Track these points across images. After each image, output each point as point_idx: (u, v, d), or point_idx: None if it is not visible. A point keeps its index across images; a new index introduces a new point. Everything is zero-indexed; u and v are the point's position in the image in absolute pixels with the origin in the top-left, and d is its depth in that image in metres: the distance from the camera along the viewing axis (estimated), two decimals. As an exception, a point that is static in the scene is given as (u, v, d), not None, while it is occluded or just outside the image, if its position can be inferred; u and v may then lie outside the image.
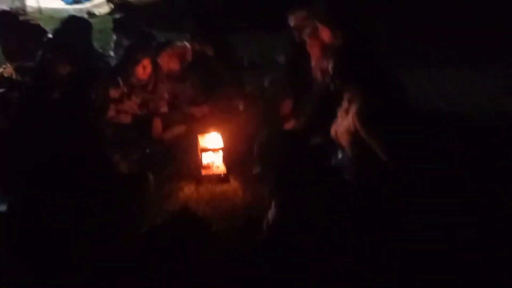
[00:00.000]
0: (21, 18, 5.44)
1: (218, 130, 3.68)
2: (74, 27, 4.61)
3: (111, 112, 3.89)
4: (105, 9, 8.79)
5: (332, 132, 2.84)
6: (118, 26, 5.07)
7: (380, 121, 2.54)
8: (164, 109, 4.12)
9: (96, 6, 8.94)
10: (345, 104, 2.75)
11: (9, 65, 5.02)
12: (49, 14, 8.77)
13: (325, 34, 3.38)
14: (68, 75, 3.40)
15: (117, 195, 2.72)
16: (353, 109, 2.62)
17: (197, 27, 4.63)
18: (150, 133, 3.94)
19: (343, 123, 2.72)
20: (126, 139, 3.70)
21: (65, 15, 8.68)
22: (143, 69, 3.91)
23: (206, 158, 3.59)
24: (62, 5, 9.18)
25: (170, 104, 4.19)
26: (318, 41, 3.55)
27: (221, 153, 3.57)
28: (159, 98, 4.12)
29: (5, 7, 8.53)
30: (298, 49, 3.95)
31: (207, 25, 4.59)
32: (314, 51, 3.69)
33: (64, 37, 4.47)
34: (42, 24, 8.07)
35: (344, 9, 3.37)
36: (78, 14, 8.66)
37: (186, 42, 4.32)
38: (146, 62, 3.91)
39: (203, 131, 3.69)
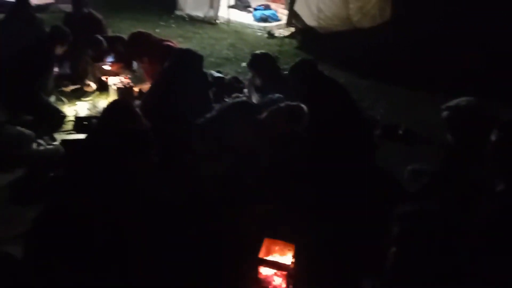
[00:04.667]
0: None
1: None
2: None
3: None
4: (285, 31, 8.34)
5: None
6: (253, 62, 4.39)
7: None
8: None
9: (279, 27, 8.58)
10: None
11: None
12: (235, 28, 8.79)
13: None
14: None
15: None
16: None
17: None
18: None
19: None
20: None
21: (248, 31, 8.69)
22: (240, 134, 3.15)
23: (265, 271, 2.65)
24: (250, 21, 9.09)
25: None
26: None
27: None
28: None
29: (200, 14, 8.90)
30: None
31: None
32: None
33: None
34: (225, 36, 8.24)
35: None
36: (260, 32, 8.52)
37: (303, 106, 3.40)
38: (247, 127, 3.13)
39: (275, 234, 2.74)
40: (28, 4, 5.74)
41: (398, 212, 1.83)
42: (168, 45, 4.86)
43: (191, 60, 4.10)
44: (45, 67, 4.53)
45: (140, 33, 5.31)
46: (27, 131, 3.99)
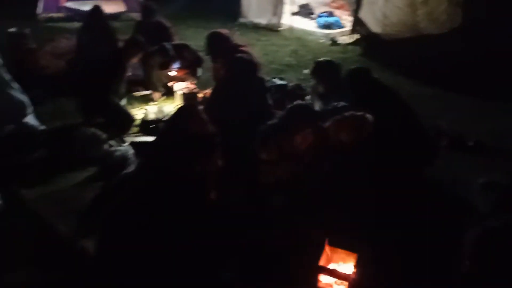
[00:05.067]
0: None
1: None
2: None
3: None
4: (349, 38, 8.23)
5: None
6: (316, 69, 4.38)
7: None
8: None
9: (343, 34, 8.48)
10: None
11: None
12: (297, 35, 8.81)
13: None
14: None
15: None
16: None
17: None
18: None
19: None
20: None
21: (311, 38, 8.67)
22: (303, 139, 3.15)
23: (325, 279, 2.63)
24: (312, 28, 9.07)
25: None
26: None
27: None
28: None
29: (263, 21, 9.01)
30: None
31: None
32: None
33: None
34: (288, 43, 8.28)
35: None
36: (323, 39, 8.47)
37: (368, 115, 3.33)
38: (309, 132, 3.13)
39: (337, 243, 2.71)
40: (102, 13, 6.07)
41: (476, 227, 1.75)
42: (242, 51, 4.84)
43: (243, 68, 4.14)
44: (118, 74, 4.77)
45: (219, 33, 5.17)
46: (100, 133, 4.23)
